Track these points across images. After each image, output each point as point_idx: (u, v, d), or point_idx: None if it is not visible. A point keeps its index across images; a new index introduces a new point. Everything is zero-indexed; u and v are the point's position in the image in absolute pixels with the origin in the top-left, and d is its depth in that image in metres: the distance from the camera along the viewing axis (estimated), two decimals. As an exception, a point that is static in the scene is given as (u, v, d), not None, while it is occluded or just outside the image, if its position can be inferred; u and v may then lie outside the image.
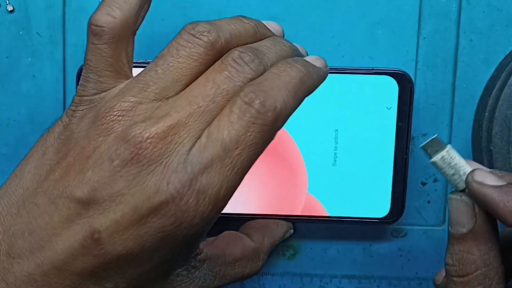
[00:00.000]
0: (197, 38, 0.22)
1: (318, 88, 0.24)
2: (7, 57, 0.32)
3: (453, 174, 0.25)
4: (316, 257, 0.34)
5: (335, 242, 0.34)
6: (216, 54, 0.22)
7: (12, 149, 0.33)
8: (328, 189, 0.32)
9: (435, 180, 0.34)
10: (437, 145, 0.25)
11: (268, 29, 0.25)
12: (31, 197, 0.22)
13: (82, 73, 0.23)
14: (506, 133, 0.31)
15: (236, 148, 0.21)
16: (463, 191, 0.25)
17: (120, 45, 0.23)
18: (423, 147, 0.25)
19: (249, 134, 0.21)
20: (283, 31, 0.26)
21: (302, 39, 0.32)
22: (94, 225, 0.21)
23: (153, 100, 0.22)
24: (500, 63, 0.32)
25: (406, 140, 0.31)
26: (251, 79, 0.22)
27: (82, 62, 0.23)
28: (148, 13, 0.24)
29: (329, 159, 0.32)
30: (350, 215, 0.32)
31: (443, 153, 0.25)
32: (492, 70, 0.32)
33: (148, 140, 0.21)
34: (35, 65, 0.32)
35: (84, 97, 0.23)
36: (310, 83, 0.23)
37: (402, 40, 0.32)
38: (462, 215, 0.24)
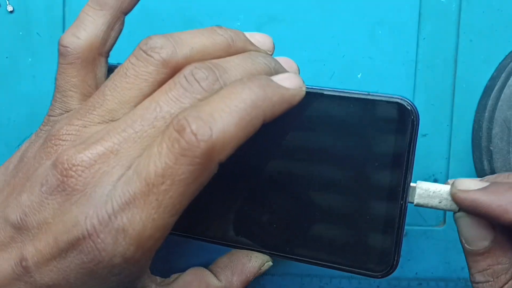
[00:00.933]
0: (147, 55, 0.20)
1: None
2: (7, 57, 0.32)
3: (440, 202, 0.24)
4: (316, 257, 0.34)
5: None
6: (173, 72, 0.20)
7: (12, 149, 0.33)
8: None
9: (435, 181, 0.34)
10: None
11: (250, 42, 0.22)
12: None
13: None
14: (506, 133, 0.31)
15: (162, 183, 0.18)
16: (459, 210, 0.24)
17: (85, 66, 0.22)
18: None
19: (177, 167, 0.18)
20: (272, 43, 0.23)
21: (302, 39, 0.32)
22: (23, 252, 0.19)
23: (98, 123, 0.20)
24: (500, 63, 0.32)
25: (403, 182, 0.24)
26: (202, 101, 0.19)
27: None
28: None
29: None
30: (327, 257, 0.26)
31: (417, 191, 0.24)
32: (492, 70, 0.32)
33: (74, 168, 0.19)
34: (35, 65, 0.32)
35: (50, 117, 0.22)
36: (267, 107, 0.19)
37: (402, 40, 0.32)
38: (480, 228, 0.23)
